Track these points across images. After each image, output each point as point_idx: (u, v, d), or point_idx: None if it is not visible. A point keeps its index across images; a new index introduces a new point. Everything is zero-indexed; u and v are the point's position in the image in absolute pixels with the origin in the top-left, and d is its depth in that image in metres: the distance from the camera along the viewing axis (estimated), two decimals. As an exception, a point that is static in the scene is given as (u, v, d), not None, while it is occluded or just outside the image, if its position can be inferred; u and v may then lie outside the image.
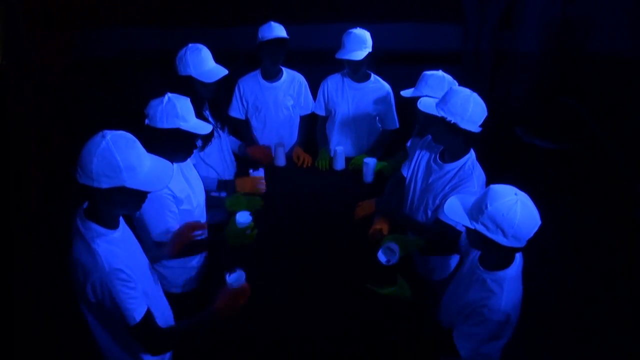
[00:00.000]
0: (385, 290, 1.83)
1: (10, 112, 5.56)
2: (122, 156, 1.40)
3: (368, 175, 2.85)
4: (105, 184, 1.40)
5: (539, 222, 1.52)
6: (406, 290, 1.84)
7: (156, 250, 1.96)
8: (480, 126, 1.97)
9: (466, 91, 1.98)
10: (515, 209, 1.47)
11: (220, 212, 2.44)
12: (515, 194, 1.51)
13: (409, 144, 2.76)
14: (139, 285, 1.53)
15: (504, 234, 1.49)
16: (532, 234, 1.52)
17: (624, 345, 2.78)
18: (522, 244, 1.52)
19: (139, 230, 2.04)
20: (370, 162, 2.83)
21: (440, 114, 1.97)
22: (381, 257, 1.94)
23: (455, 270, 2.22)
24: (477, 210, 1.53)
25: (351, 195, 2.72)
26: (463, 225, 1.63)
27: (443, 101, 1.99)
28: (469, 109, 1.93)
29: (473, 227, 1.54)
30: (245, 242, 2.05)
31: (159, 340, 1.62)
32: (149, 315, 1.54)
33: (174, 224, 2.02)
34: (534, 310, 2.06)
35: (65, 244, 1.53)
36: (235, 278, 1.88)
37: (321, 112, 3.15)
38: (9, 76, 6.42)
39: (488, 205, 1.50)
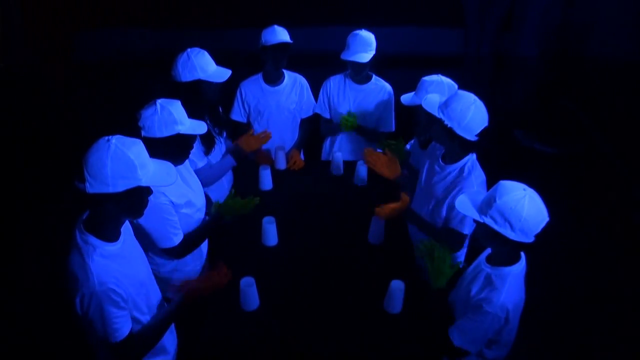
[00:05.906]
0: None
1: (10, 112, 5.56)
2: (134, 154, 1.39)
3: (359, 180, 2.86)
4: (121, 187, 1.38)
5: (547, 218, 1.55)
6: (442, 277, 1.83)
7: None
8: (477, 135, 1.95)
9: (470, 97, 1.96)
10: (523, 203, 1.50)
11: None
12: (524, 189, 1.54)
13: (408, 146, 2.78)
14: (130, 301, 1.52)
15: (512, 228, 1.52)
16: (539, 229, 1.55)
17: (624, 347, 2.79)
18: (529, 239, 1.54)
19: (143, 245, 2.02)
20: (363, 167, 2.84)
21: (440, 116, 1.98)
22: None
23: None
24: (486, 204, 1.57)
25: (351, 199, 2.74)
26: (474, 221, 1.66)
27: (445, 104, 1.99)
28: (468, 116, 1.91)
29: (482, 221, 1.57)
30: (242, 213, 2.18)
31: (137, 354, 1.62)
32: (130, 335, 1.53)
33: (177, 229, 2.00)
34: (535, 313, 2.06)
35: (62, 246, 1.53)
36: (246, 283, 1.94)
37: (325, 114, 3.11)
38: (9, 76, 6.43)
39: (497, 199, 1.53)
